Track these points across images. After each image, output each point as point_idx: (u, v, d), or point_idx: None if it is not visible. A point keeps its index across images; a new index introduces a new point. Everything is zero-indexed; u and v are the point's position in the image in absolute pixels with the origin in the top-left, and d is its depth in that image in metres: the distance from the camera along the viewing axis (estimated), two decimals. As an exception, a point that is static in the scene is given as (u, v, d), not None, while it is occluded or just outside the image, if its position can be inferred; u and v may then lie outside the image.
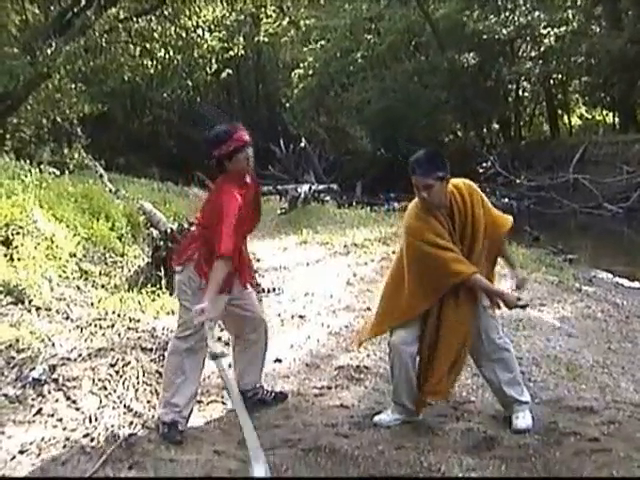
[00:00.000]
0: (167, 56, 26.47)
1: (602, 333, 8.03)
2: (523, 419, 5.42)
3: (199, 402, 6.03)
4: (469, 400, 5.99)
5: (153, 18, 25.41)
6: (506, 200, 26.34)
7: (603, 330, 8.13)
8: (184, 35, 25.75)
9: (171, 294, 8.72)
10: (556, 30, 29.87)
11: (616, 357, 7.18)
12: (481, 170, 29.71)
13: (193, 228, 6.12)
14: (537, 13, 30.15)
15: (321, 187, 23.27)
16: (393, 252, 11.02)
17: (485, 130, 37.52)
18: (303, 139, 29.97)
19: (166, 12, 25.24)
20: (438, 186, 5.18)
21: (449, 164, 5.22)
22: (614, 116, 33.99)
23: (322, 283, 10.03)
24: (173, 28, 25.58)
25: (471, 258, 5.26)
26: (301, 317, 8.50)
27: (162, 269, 9.23)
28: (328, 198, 22.15)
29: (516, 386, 5.52)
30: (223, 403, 6.04)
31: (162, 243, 9.65)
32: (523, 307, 5.52)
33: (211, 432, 5.49)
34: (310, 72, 36.78)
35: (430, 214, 5.26)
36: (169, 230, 9.88)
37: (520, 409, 5.47)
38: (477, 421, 5.58)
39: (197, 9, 25.88)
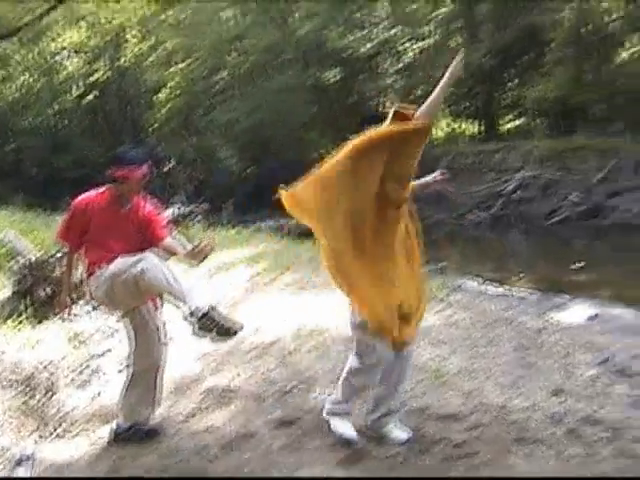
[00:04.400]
0: (29, 81, 25.99)
1: (467, 340, 8.20)
2: (394, 430, 5.49)
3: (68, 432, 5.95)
4: (339, 414, 6.01)
5: (14, 42, 24.91)
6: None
7: (468, 337, 8.30)
8: (46, 59, 25.36)
9: (37, 324, 8.57)
10: (417, 44, 30.51)
11: (482, 362, 7.33)
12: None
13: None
14: (399, 28, 30.70)
15: (190, 208, 22.93)
16: (258, 273, 11.11)
17: (351, 146, 37.70)
18: (172, 160, 29.73)
19: (25, 37, 24.79)
20: None
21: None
22: (479, 125, 34.81)
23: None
24: (34, 53, 25.16)
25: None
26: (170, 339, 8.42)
27: (28, 299, 9.06)
28: (200, 218, 21.79)
29: (387, 397, 5.57)
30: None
31: (27, 272, 9.47)
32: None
33: (78, 464, 5.39)
34: (177, 92, 36.54)
35: None
36: (34, 259, 9.71)
37: (391, 420, 5.54)
38: (346, 435, 5.61)
39: (57, 34, 25.52)
